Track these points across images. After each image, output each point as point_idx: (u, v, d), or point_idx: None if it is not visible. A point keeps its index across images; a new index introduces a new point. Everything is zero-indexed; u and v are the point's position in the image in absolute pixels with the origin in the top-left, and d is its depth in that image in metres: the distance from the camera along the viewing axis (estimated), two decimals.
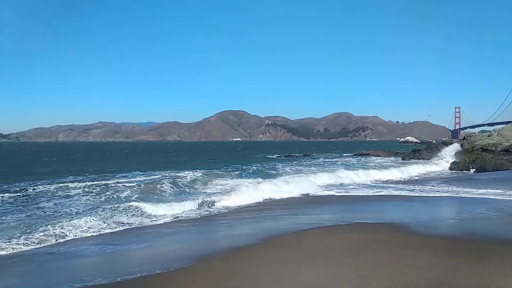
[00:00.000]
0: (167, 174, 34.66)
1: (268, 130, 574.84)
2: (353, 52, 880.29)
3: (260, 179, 29.36)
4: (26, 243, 12.96)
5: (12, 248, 12.46)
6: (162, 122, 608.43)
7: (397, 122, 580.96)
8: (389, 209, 19.27)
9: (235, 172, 38.18)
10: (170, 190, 25.16)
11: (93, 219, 15.91)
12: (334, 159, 61.78)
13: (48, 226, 14.76)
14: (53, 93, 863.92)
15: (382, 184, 30.05)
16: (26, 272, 10.48)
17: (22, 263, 11.22)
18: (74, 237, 13.99)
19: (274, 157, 75.16)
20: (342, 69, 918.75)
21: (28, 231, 14.26)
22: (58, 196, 22.90)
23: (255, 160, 62.55)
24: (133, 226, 16.03)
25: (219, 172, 36.71)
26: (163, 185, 25.90)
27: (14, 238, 13.33)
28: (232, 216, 18.12)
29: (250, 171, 40.03)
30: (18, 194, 23.53)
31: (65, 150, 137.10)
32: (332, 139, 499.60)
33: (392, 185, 29.32)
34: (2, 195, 23.22)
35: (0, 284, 9.56)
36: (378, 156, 67.27)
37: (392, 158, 60.32)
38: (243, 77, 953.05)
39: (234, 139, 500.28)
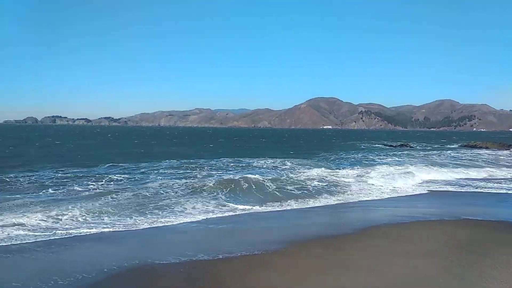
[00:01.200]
0: (257, 162, 34.63)
1: (361, 118, 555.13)
2: (457, 31, 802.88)
3: (357, 171, 28.18)
4: (138, 222, 14.15)
5: (123, 225, 13.72)
6: (253, 109, 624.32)
7: (511, 111, 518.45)
8: (503, 206, 17.32)
9: (329, 161, 37.33)
10: (265, 180, 25.47)
11: (197, 202, 16.97)
12: (436, 151, 57.01)
13: (156, 207, 16.09)
14: (156, 82, 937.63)
15: (493, 182, 26.99)
16: (137, 245, 11.55)
17: (134, 237, 12.37)
18: (180, 217, 14.85)
19: (369, 146, 72.28)
20: (444, 52, 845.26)
21: (138, 210, 15.58)
22: (161, 177, 24.59)
23: (349, 149, 60.71)
24: (236, 213, 16.15)
25: (315, 162, 36.05)
26: (254, 176, 25.95)
27: (126, 216, 14.74)
28: (326, 207, 17.83)
29: (346, 161, 38.64)
30: (125, 174, 25.80)
31: (165, 133, 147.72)
32: (432, 129, 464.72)
33: (505, 182, 26.27)
34: (111, 175, 25.87)
35: (116, 254, 10.63)
36: (487, 148, 60.72)
37: (505, 152, 53.98)
38: (336, 62, 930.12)
39: (325, 127, 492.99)
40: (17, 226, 12.76)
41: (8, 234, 11.98)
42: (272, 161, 34.88)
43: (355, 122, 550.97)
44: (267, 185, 21.50)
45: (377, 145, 73.61)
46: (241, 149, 61.26)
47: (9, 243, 11.20)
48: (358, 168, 30.14)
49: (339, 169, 29.97)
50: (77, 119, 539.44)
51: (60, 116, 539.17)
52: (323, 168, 29.16)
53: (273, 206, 17.42)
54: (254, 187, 20.72)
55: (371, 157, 43.74)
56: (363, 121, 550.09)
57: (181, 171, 27.44)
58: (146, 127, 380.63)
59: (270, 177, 24.27)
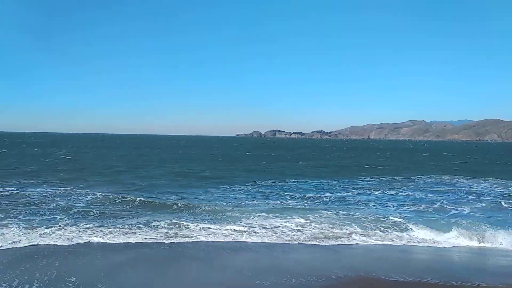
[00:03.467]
0: (476, 184, 29.46)
1: None
2: None
3: None
4: (352, 236, 14.53)
5: (338, 238, 14.42)
6: (478, 119, 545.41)
7: None
8: None
9: None
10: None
11: (420, 225, 15.72)
12: None
13: (373, 225, 15.71)
14: (365, 94, 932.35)
15: None
16: (358, 258, 11.95)
17: (353, 250, 12.83)
18: (400, 238, 14.15)
19: None
20: None
21: (361, 225, 15.80)
22: (363, 196, 23.62)
23: None
24: (467, 245, 13.80)
25: None
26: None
27: (342, 230, 15.41)
28: None
29: None
30: (327, 192, 25.69)
31: (372, 146, 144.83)
32: None
33: None
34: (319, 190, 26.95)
35: (340, 263, 11.23)
36: None
37: None
38: None
39: None
40: (244, 229, 14.95)
41: (230, 235, 14.23)
42: (498, 185, 29.29)
43: None
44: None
45: None
46: (456, 165, 53.93)
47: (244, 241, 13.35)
48: None
49: None
50: (293, 132, 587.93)
51: (279, 130, 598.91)
52: None
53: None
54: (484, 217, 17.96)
55: None
56: None
57: (391, 189, 26.48)
58: (356, 140, 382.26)
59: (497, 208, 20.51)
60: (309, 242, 13.29)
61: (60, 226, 14.59)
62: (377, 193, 25.01)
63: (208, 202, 20.28)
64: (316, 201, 21.46)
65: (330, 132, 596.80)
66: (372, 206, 20.16)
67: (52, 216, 16.18)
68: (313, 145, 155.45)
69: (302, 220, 16.24)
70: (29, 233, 13.48)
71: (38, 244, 12.26)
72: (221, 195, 22.69)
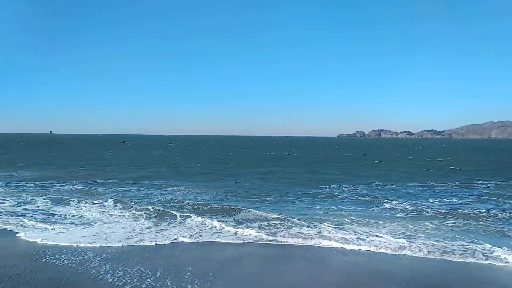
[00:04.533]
0: None
1: None
2: None
3: None
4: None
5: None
6: None
7: None
8: None
9: None
10: None
11: None
12: None
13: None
14: (486, 91, 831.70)
15: None
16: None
17: (481, 271, 12.00)
18: None
19: None
20: None
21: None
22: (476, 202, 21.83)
23: None
24: None
25: None
26: None
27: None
28: None
29: None
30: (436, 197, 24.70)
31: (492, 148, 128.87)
32: None
33: None
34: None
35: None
36: None
37: None
38: None
39: None
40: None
41: (330, 240, 14.22)
42: None
43: None
44: None
45: None
46: None
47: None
48: None
49: None
50: (400, 132, 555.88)
51: (385, 130, 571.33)
52: None
53: None
54: None
55: None
56: None
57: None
58: (473, 140, 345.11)
59: None
60: (420, 254, 12.28)
61: (180, 223, 16.35)
62: (496, 199, 22.08)
63: (305, 206, 20.10)
64: (420, 207, 19.59)
65: (443, 131, 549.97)
66: (493, 217, 17.51)
67: (163, 211, 18.05)
68: (417, 145, 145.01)
69: (404, 229, 15.15)
70: (152, 227, 15.42)
71: (164, 240, 13.91)
72: (316, 199, 22.27)
